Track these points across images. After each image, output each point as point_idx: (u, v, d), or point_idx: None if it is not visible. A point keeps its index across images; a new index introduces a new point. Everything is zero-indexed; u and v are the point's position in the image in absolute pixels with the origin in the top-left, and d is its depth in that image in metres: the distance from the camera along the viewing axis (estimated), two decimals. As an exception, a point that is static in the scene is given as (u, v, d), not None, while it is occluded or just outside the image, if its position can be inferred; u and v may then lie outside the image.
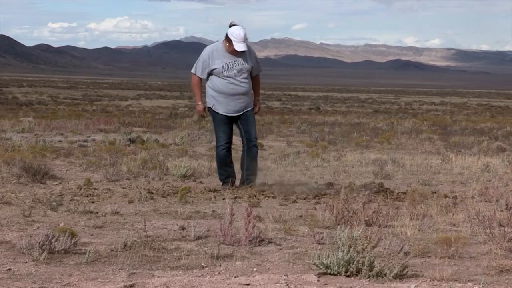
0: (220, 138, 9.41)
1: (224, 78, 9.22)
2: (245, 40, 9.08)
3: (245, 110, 9.38)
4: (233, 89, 9.24)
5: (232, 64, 9.21)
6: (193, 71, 9.38)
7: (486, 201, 8.56)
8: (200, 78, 9.34)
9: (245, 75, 9.29)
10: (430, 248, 5.86)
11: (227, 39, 9.11)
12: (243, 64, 9.25)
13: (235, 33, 9.06)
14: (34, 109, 34.24)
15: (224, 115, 9.32)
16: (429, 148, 16.54)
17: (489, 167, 12.23)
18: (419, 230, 6.58)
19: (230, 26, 9.16)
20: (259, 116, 10.24)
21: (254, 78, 9.45)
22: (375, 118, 31.84)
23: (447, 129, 23.84)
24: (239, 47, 9.07)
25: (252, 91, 9.48)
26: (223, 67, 9.18)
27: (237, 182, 9.45)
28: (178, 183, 9.83)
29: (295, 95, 75.38)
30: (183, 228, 6.57)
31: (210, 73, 9.27)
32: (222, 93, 9.26)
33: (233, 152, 9.69)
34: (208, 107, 9.41)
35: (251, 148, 9.41)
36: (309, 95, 77.76)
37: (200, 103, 9.45)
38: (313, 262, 5.09)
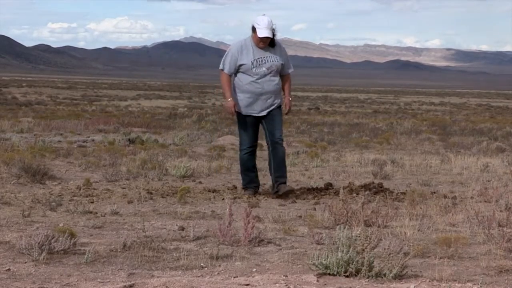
0: (244, 141, 8.90)
1: (252, 75, 8.67)
2: (269, 27, 8.54)
3: (271, 108, 8.82)
4: (261, 87, 8.71)
5: (262, 61, 8.68)
6: (220, 67, 8.76)
7: (485, 202, 8.56)
8: (229, 75, 8.76)
9: (275, 73, 8.76)
10: (430, 249, 5.86)
11: (253, 30, 8.61)
12: (273, 61, 8.71)
13: (259, 20, 8.58)
14: (34, 109, 34.24)
15: (250, 116, 8.78)
16: (429, 149, 16.54)
17: (489, 168, 12.23)
18: (419, 230, 6.58)
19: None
20: (288, 117, 9.70)
21: (284, 77, 8.91)
22: (375, 119, 31.85)
23: (446, 129, 23.84)
24: (262, 32, 8.51)
25: (280, 91, 8.97)
26: (252, 63, 8.64)
27: (260, 188, 9.02)
28: (178, 183, 9.82)
29: (295, 95, 75.42)
30: (183, 229, 6.56)
31: (237, 70, 8.71)
32: (249, 92, 8.71)
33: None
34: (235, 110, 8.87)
35: (276, 148, 8.81)
36: (308, 95, 77.79)
37: (230, 99, 8.71)
38: (313, 263, 5.09)
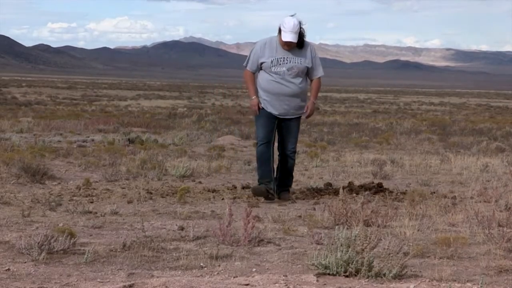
0: (259, 134, 8.58)
1: (272, 74, 8.40)
2: (294, 30, 8.20)
3: (289, 116, 8.55)
4: (279, 88, 8.42)
5: (283, 61, 8.37)
6: (244, 64, 8.55)
7: (485, 202, 8.56)
8: (253, 73, 8.52)
9: (297, 75, 8.43)
10: (429, 249, 5.86)
11: (279, 31, 8.31)
12: (295, 63, 8.38)
13: (284, 22, 8.24)
14: (33, 109, 34.24)
15: (268, 111, 8.49)
16: (428, 148, 16.54)
17: (488, 167, 12.23)
18: (418, 230, 6.58)
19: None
20: (307, 119, 9.32)
21: (312, 81, 8.62)
22: (374, 118, 31.85)
23: (446, 129, 23.85)
24: (286, 36, 8.20)
25: (304, 96, 8.66)
26: (271, 61, 8.36)
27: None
28: (177, 183, 9.82)
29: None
30: (182, 228, 6.56)
31: (260, 67, 8.48)
32: (267, 91, 8.45)
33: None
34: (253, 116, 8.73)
35: (285, 160, 8.60)
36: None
37: (254, 97, 8.48)
38: (312, 263, 5.09)
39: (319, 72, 8.60)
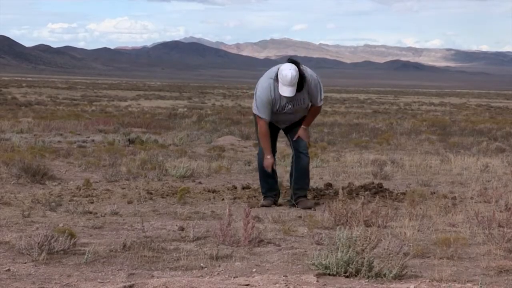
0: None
1: (277, 113, 8.20)
2: (292, 83, 7.86)
3: (294, 121, 8.39)
4: (284, 118, 8.27)
5: (287, 105, 8.10)
6: (257, 113, 8.13)
7: (485, 202, 8.56)
8: (268, 122, 8.19)
9: (302, 110, 8.27)
10: (429, 249, 5.87)
11: (277, 79, 7.97)
12: (298, 105, 8.15)
13: (282, 74, 7.88)
14: (33, 109, 34.23)
15: (270, 122, 8.27)
16: (428, 149, 16.54)
17: (488, 168, 12.23)
18: (418, 230, 6.58)
19: (288, 60, 8.06)
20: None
21: (312, 107, 8.33)
22: (374, 119, 31.85)
23: (446, 129, 23.84)
24: (283, 91, 7.91)
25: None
26: (277, 109, 8.12)
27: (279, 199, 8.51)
28: (177, 183, 9.82)
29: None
30: (182, 229, 6.56)
31: None
32: (272, 118, 8.22)
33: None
34: (253, 114, 8.40)
35: (299, 157, 8.31)
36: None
37: (269, 156, 8.15)
38: (312, 263, 5.09)
39: (319, 101, 8.25)
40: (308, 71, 8.09)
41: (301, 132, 8.32)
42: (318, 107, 8.35)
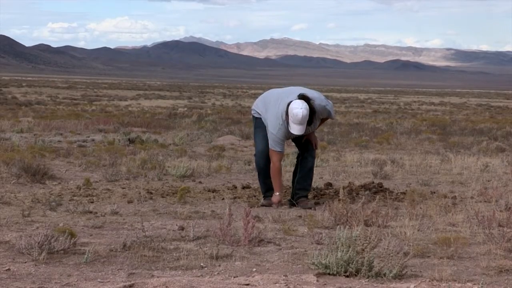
0: (258, 146, 8.36)
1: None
2: (303, 122, 7.88)
3: None
4: (296, 137, 8.36)
5: (299, 134, 8.12)
6: (277, 149, 8.11)
7: (485, 201, 8.56)
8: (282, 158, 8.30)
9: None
10: (429, 248, 5.86)
11: (287, 113, 7.96)
12: (309, 131, 8.21)
13: (293, 112, 7.86)
14: (33, 109, 34.23)
15: None
16: (428, 148, 16.54)
17: (489, 167, 12.23)
18: (418, 230, 6.58)
19: (298, 96, 7.99)
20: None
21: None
22: (375, 118, 31.84)
23: (446, 129, 23.84)
24: (294, 129, 7.93)
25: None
26: (289, 138, 8.30)
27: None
28: (177, 183, 9.82)
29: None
30: (182, 228, 6.56)
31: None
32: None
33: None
34: (253, 115, 8.51)
35: (306, 159, 8.34)
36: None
37: (278, 193, 8.18)
38: (312, 262, 5.09)
39: (328, 115, 8.31)
40: (317, 101, 8.08)
41: (310, 135, 8.35)
42: (327, 119, 8.46)
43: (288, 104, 7.94)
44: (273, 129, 8.08)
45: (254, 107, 8.47)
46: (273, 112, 8.13)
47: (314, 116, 8.05)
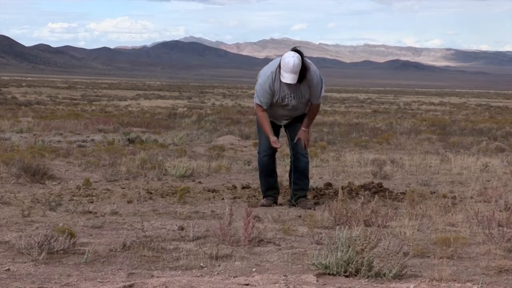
0: (262, 144, 8.28)
1: (275, 105, 8.13)
2: (294, 70, 7.80)
3: (295, 116, 8.31)
4: (284, 113, 8.21)
5: (288, 97, 8.05)
6: (257, 102, 8.11)
7: (485, 201, 8.56)
8: (266, 109, 8.13)
9: (300, 105, 8.18)
10: (429, 248, 5.86)
11: (279, 67, 7.92)
12: (299, 98, 8.09)
13: (285, 61, 7.83)
14: (33, 109, 34.23)
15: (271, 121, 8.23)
16: (428, 148, 16.54)
17: (488, 167, 12.23)
18: (418, 230, 6.58)
19: (292, 49, 8.00)
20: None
21: (311, 106, 8.26)
22: (374, 118, 31.85)
23: (446, 129, 23.84)
24: (285, 77, 7.85)
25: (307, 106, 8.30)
26: (276, 100, 8.06)
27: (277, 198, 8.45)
28: (177, 183, 9.82)
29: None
30: (182, 228, 6.56)
31: None
32: (272, 115, 8.20)
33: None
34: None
35: (298, 159, 8.25)
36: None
37: (271, 136, 8.07)
38: (312, 262, 5.09)
39: (318, 99, 8.20)
40: (312, 66, 8.06)
41: (301, 133, 8.25)
42: (317, 106, 8.31)
43: (282, 58, 7.92)
44: (262, 80, 8.07)
45: (255, 96, 8.37)
46: (266, 68, 8.16)
47: (307, 75, 7.94)
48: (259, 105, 8.12)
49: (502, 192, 8.89)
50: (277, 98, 8.05)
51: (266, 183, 8.33)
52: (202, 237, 6.20)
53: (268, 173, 8.27)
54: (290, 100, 8.08)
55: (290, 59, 7.82)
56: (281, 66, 7.88)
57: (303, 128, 8.26)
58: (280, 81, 7.95)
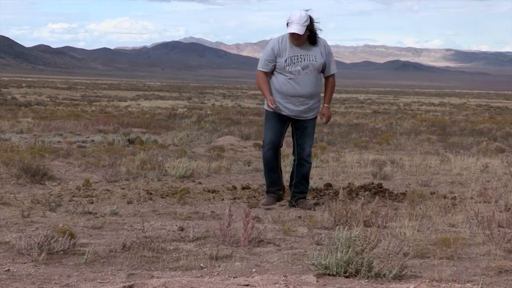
0: (267, 137, 8.18)
1: (286, 74, 7.94)
2: (301, 22, 7.72)
3: (305, 117, 8.15)
4: (293, 89, 7.98)
5: (297, 59, 7.92)
6: (259, 67, 8.05)
7: (485, 202, 8.56)
8: (266, 73, 8.02)
9: (312, 73, 7.99)
10: (429, 249, 5.86)
11: (287, 25, 7.84)
12: (310, 60, 7.93)
13: (292, 14, 7.81)
14: (33, 109, 34.22)
15: (280, 114, 8.07)
16: (428, 149, 16.54)
17: (488, 168, 12.23)
18: (418, 231, 6.58)
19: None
20: (326, 126, 8.55)
21: (326, 79, 8.17)
22: (374, 119, 31.85)
23: (446, 129, 23.85)
24: (291, 28, 7.73)
25: (319, 96, 8.21)
26: (285, 60, 7.89)
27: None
28: (177, 183, 9.82)
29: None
30: (182, 229, 6.56)
31: (273, 68, 8.00)
32: (281, 92, 7.98)
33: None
34: (265, 109, 8.23)
35: (302, 165, 8.20)
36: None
37: (268, 94, 7.96)
38: (312, 263, 5.09)
39: (333, 68, 8.15)
40: (322, 39, 8.07)
41: (324, 110, 8.18)
42: (333, 78, 8.22)
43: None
44: (268, 45, 8.08)
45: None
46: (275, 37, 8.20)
47: (317, 40, 7.95)
48: (260, 71, 8.06)
49: (502, 192, 8.90)
50: (285, 58, 7.93)
51: (269, 178, 8.31)
52: (202, 237, 6.20)
53: (271, 168, 8.24)
54: (301, 61, 7.95)
55: (297, 12, 7.83)
56: (289, 19, 7.84)
57: (325, 105, 8.21)
58: (290, 42, 7.93)
